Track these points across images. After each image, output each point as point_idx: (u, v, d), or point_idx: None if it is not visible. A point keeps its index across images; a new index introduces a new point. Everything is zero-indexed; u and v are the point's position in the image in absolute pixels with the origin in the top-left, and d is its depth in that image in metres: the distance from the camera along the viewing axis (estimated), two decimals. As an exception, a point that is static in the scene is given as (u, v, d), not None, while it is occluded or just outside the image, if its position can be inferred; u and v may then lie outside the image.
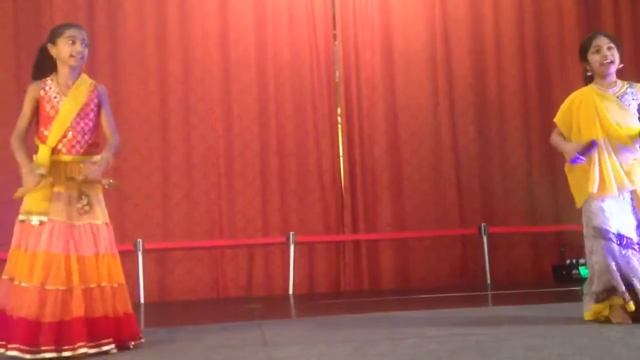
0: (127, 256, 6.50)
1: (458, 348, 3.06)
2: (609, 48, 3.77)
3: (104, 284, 3.36)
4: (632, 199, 3.72)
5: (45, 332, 3.16)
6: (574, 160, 3.74)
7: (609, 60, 3.76)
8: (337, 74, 7.19)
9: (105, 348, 3.25)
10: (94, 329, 3.26)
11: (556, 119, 4.00)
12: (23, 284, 3.22)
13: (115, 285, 3.41)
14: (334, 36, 7.23)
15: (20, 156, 3.35)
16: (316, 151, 7.01)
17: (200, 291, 6.65)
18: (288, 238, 6.70)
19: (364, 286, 6.87)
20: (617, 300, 3.59)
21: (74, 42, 3.42)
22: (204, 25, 6.95)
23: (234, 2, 7.01)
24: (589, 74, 3.88)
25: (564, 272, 6.78)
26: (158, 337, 3.80)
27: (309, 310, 5.46)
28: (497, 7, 7.40)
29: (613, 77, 3.82)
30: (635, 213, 3.72)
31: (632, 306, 3.51)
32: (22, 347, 3.12)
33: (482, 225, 6.94)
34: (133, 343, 3.41)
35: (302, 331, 3.89)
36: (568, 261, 6.83)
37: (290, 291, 6.62)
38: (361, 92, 7.14)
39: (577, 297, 5.37)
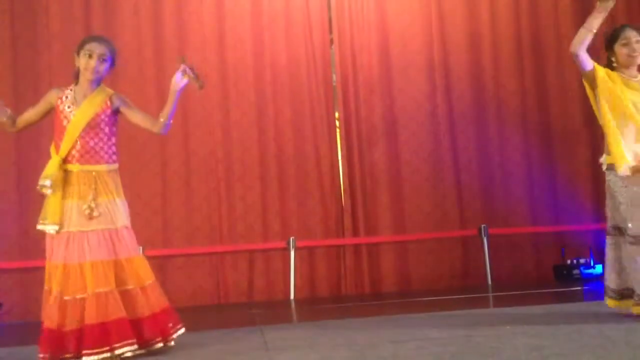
0: (128, 263, 6.52)
1: (460, 350, 3.06)
2: (637, 41, 3.87)
3: (130, 287, 3.40)
4: None
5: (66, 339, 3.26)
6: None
7: (637, 54, 3.87)
8: (334, 77, 7.20)
9: (124, 350, 3.26)
10: (116, 332, 3.28)
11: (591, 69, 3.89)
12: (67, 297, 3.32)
13: (145, 285, 3.46)
14: (331, 40, 7.24)
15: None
16: (315, 155, 7.01)
17: (201, 297, 6.64)
18: (288, 243, 6.69)
19: (365, 289, 6.86)
20: None
21: (90, 57, 3.53)
22: (200, 31, 6.95)
23: (231, 7, 7.02)
24: (614, 65, 3.95)
25: (565, 273, 6.78)
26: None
27: (311, 314, 5.46)
28: (493, 7, 7.40)
29: (635, 70, 3.93)
30: None
31: None
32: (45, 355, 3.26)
33: (482, 226, 6.94)
34: (163, 341, 3.45)
35: (303, 335, 3.89)
36: (569, 261, 6.84)
37: (292, 296, 6.61)
38: (359, 95, 7.15)
39: (578, 297, 5.39)
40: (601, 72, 3.88)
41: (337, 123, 7.17)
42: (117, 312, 3.30)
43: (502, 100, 7.34)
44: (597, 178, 7.18)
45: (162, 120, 3.71)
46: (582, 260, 6.74)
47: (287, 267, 6.70)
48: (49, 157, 3.54)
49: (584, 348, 2.92)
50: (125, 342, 3.26)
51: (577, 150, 7.22)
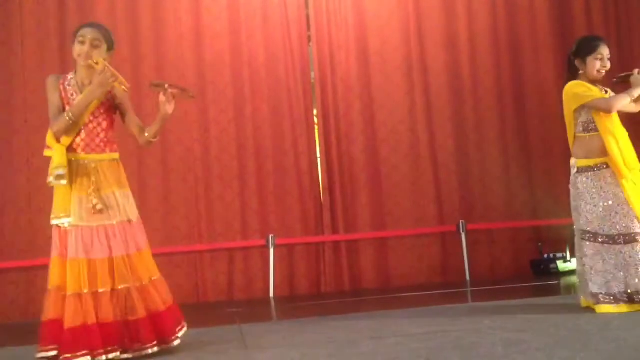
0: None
1: (439, 345, 3.07)
2: (608, 59, 4.03)
3: (121, 286, 3.32)
4: None
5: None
6: None
7: (606, 71, 4.02)
8: (312, 75, 7.19)
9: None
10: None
11: (586, 99, 3.97)
12: (69, 293, 3.23)
13: (145, 282, 3.41)
14: (309, 37, 7.23)
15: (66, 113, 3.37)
16: (293, 152, 7.00)
17: (180, 296, 6.50)
18: (268, 241, 6.68)
19: (345, 287, 6.86)
20: None
21: (83, 43, 3.46)
22: (177, 28, 6.90)
23: (207, 4, 6.98)
24: (580, 72, 4.07)
25: (542, 267, 6.84)
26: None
27: (290, 312, 5.46)
28: (470, 4, 7.44)
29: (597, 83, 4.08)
30: None
31: None
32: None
33: (461, 222, 6.98)
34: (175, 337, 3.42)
35: (283, 333, 3.89)
36: (545, 256, 6.91)
37: (271, 294, 6.60)
38: (337, 92, 7.15)
39: (555, 291, 5.45)
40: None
41: (316, 120, 7.16)
42: (115, 312, 3.26)
43: (479, 96, 7.38)
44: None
45: (147, 136, 3.65)
46: (558, 255, 6.82)
47: (267, 265, 6.68)
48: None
49: (561, 342, 2.95)
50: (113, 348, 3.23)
51: (553, 146, 7.28)
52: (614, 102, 3.93)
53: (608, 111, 3.92)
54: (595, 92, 3.96)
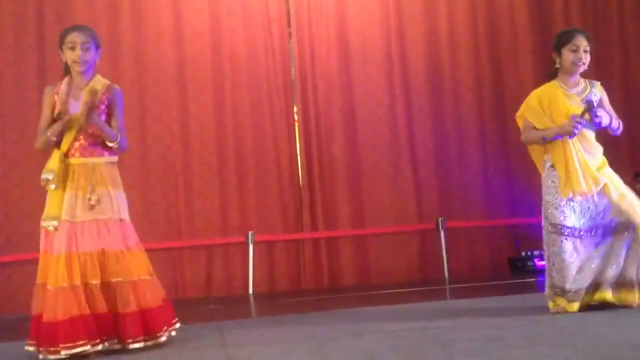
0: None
1: (417, 342, 3.08)
2: (585, 51, 3.88)
3: (113, 279, 3.31)
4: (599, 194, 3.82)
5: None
6: (576, 130, 3.75)
7: (582, 63, 3.88)
8: (292, 71, 7.18)
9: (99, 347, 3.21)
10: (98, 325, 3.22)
11: (528, 117, 4.03)
12: (49, 287, 3.23)
13: (135, 279, 3.37)
14: (289, 34, 7.22)
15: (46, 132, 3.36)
16: (274, 149, 6.99)
17: (159, 293, 6.55)
18: (247, 237, 6.66)
19: (324, 283, 6.87)
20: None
21: (73, 48, 3.41)
22: (157, 24, 6.86)
23: (187, 0, 6.94)
24: (556, 66, 3.95)
25: (520, 264, 6.91)
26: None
27: (270, 309, 5.45)
28: (451, 3, 7.48)
29: (578, 76, 3.94)
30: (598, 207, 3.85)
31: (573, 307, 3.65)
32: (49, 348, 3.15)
33: (440, 219, 7.02)
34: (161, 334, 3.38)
35: (262, 330, 3.88)
36: (523, 253, 6.97)
37: (250, 291, 6.59)
38: (317, 89, 7.15)
39: (533, 289, 5.50)
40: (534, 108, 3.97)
41: (296, 117, 7.16)
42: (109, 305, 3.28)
43: (458, 94, 7.43)
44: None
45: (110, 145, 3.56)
46: (535, 252, 6.88)
47: (246, 262, 6.67)
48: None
49: (538, 339, 2.97)
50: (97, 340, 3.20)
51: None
52: (527, 137, 4.02)
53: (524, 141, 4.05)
54: (543, 116, 3.90)
